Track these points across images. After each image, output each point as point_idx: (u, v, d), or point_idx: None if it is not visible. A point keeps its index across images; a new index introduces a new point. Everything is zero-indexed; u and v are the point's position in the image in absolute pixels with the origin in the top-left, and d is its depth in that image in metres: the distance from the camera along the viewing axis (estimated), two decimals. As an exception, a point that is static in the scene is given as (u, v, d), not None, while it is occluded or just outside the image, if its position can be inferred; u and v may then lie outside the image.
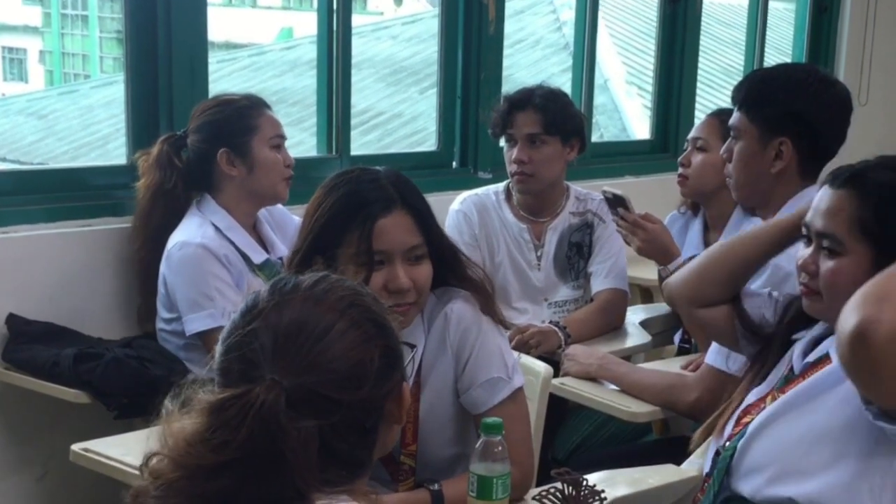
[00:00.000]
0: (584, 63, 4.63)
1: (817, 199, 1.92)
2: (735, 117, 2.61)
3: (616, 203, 2.99)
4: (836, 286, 1.86)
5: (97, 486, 2.96)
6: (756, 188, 2.58)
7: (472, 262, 2.18)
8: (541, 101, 3.29)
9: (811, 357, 1.96)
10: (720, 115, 3.15)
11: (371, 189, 2.01)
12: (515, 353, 2.29)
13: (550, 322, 3.18)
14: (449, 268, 2.11)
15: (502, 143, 3.43)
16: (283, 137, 2.98)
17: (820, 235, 1.89)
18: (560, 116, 3.30)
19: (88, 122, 8.27)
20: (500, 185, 3.49)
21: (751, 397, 2.04)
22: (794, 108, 2.51)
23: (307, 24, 9.08)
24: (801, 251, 1.95)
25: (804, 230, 1.94)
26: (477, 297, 2.13)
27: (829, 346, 1.92)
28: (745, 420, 2.00)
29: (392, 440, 1.46)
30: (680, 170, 3.22)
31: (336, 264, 1.92)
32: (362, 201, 1.99)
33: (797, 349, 2.01)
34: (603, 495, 2.05)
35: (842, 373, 1.77)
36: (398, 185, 2.04)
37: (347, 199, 2.00)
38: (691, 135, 3.26)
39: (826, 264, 1.88)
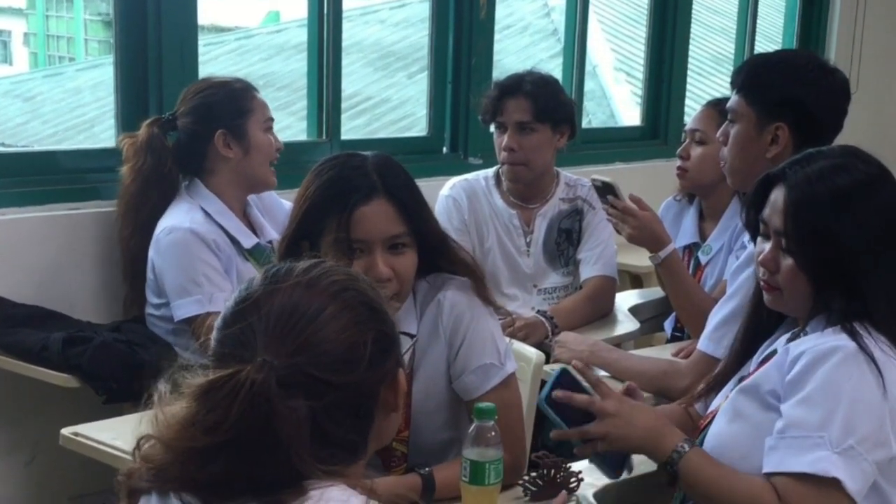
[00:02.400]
0: (574, 49, 4.63)
1: (774, 196, 1.90)
2: (733, 100, 2.61)
3: (605, 191, 2.97)
4: (796, 283, 1.86)
5: (86, 470, 2.95)
6: (750, 172, 2.57)
7: (463, 248, 2.17)
8: (531, 87, 3.27)
9: (762, 354, 1.97)
10: (718, 106, 3.11)
11: (353, 176, 1.99)
12: (507, 339, 2.29)
13: (538, 312, 3.17)
14: (439, 255, 2.09)
15: (492, 128, 3.41)
16: (272, 120, 2.98)
17: (779, 234, 1.88)
18: (550, 103, 3.29)
19: (74, 105, 8.23)
20: (490, 171, 3.48)
21: (714, 402, 2.04)
22: (794, 93, 2.51)
23: (294, 7, 9.03)
24: (760, 245, 1.93)
25: (762, 226, 1.93)
26: (469, 281, 2.13)
27: (780, 343, 1.92)
28: (703, 424, 2.02)
29: (391, 430, 1.45)
30: (679, 162, 3.19)
31: (319, 251, 1.91)
32: (342, 189, 1.97)
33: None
34: (580, 476, 2.08)
35: (774, 371, 1.82)
36: (383, 171, 2.01)
37: (328, 186, 1.99)
38: (689, 126, 3.22)
39: (786, 262, 1.87)
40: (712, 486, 1.82)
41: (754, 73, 2.59)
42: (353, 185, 1.98)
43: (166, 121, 2.94)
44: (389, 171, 2.03)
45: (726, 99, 2.77)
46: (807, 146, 2.41)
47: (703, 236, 3.18)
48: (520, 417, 2.20)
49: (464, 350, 2.10)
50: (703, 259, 3.15)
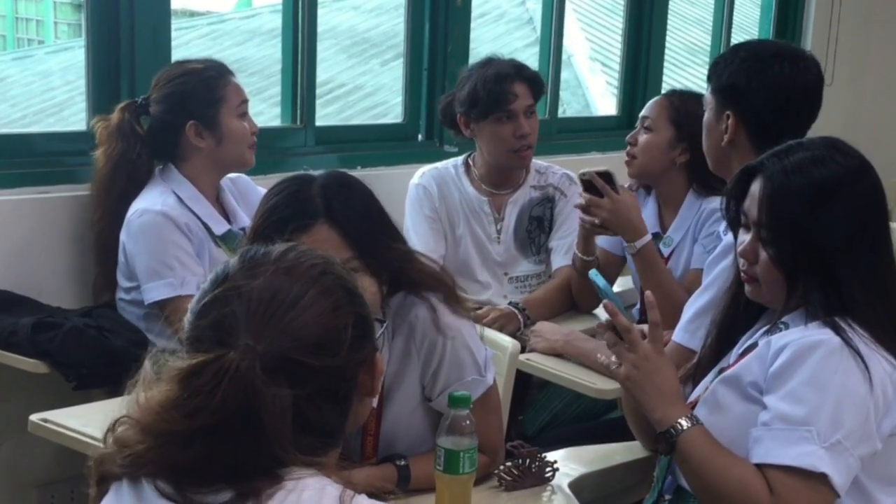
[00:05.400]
0: (551, 38, 4.62)
1: (753, 187, 1.91)
2: (708, 88, 2.64)
3: (591, 187, 2.99)
4: (773, 275, 1.87)
5: (54, 457, 2.93)
6: (717, 159, 2.61)
7: (427, 257, 2.12)
8: (525, 71, 3.30)
9: (742, 346, 1.97)
10: (671, 97, 3.15)
11: (294, 202, 1.93)
12: (478, 327, 2.27)
13: (510, 303, 3.17)
14: (403, 273, 2.03)
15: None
16: (246, 103, 2.94)
17: (756, 225, 1.89)
18: (542, 84, 3.35)
19: (43, 88, 8.14)
20: (459, 159, 3.47)
21: (694, 393, 2.04)
22: (734, 82, 2.53)
23: (266, -8, 9.00)
24: (742, 237, 1.94)
25: (742, 218, 1.93)
26: (438, 293, 2.07)
27: (759, 336, 1.93)
28: None
29: (364, 413, 1.46)
30: (628, 148, 3.19)
31: None
32: (281, 217, 1.91)
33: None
34: (555, 465, 2.08)
35: (756, 363, 1.83)
36: (330, 194, 1.94)
37: (270, 214, 1.93)
38: (642, 112, 3.23)
39: (763, 253, 1.88)
40: (707, 463, 1.82)
41: (717, 61, 2.63)
42: (292, 213, 1.91)
43: (139, 105, 2.91)
44: (338, 192, 1.96)
45: (683, 91, 2.87)
46: (761, 136, 2.43)
47: (664, 227, 3.18)
48: (500, 421, 2.21)
49: (444, 372, 2.07)
50: (664, 251, 3.14)
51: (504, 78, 3.25)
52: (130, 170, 2.88)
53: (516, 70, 3.28)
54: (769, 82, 2.51)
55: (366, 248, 1.93)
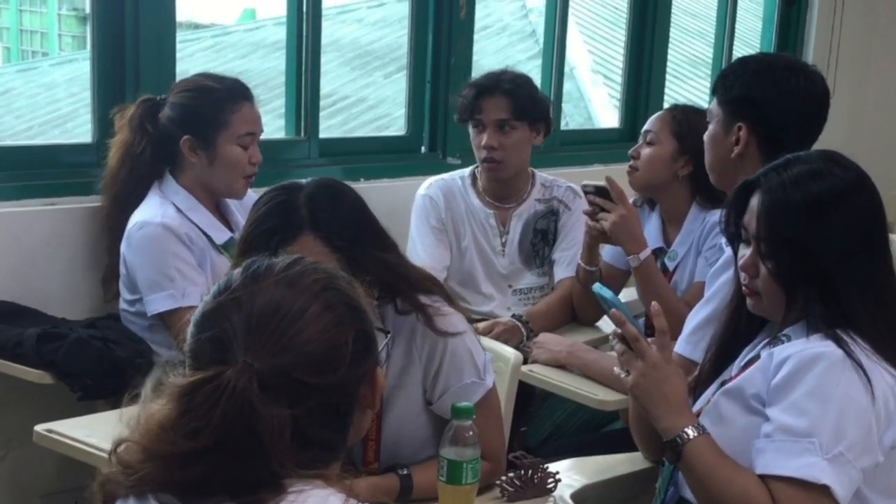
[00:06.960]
0: (553, 51, 4.63)
1: (752, 201, 1.92)
2: (711, 101, 2.65)
3: (598, 194, 3.00)
4: (773, 288, 1.88)
5: (59, 467, 2.94)
6: (722, 172, 2.61)
7: (413, 265, 2.13)
8: (509, 86, 3.30)
9: (745, 359, 1.98)
10: (673, 111, 3.17)
11: (280, 213, 1.94)
12: (481, 337, 2.28)
13: (513, 316, 3.18)
14: (397, 279, 2.03)
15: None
16: (254, 134, 2.91)
17: (756, 239, 1.90)
18: (528, 101, 3.32)
19: (48, 100, 8.16)
20: (466, 171, 3.49)
21: (696, 406, 2.05)
22: (751, 93, 2.52)
23: (270, 5, 9.01)
24: (742, 251, 1.95)
25: (743, 232, 1.94)
26: (434, 297, 2.08)
27: (762, 348, 1.93)
28: None
29: (365, 425, 1.46)
30: (631, 161, 3.21)
31: None
32: (267, 229, 1.92)
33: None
34: (557, 476, 2.09)
35: (758, 375, 1.84)
36: (315, 204, 1.94)
37: (257, 225, 1.94)
38: (644, 127, 3.25)
39: (763, 267, 1.88)
40: (712, 473, 1.82)
41: (725, 73, 2.63)
42: (278, 225, 1.92)
43: (155, 104, 2.92)
44: (324, 202, 1.96)
45: (685, 105, 2.88)
46: (774, 149, 2.44)
47: (668, 241, 3.19)
48: (500, 426, 2.21)
49: (443, 373, 2.08)
50: (669, 265, 3.15)
51: (478, 87, 3.30)
52: (133, 163, 2.89)
53: (495, 82, 3.30)
54: (784, 94, 2.52)
55: (353, 257, 1.92)
